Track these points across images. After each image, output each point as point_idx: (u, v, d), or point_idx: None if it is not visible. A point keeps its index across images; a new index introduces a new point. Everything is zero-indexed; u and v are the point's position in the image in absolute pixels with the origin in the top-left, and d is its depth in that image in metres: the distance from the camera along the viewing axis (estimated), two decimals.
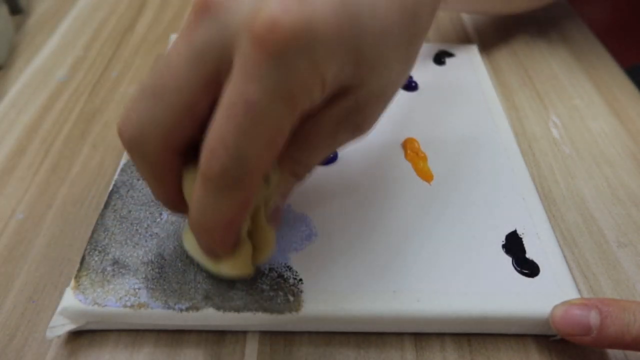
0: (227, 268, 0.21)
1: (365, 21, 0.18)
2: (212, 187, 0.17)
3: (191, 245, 0.23)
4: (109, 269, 0.24)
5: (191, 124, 0.19)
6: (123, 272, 0.24)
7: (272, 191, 0.21)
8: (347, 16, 0.17)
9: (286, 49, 0.16)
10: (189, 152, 0.20)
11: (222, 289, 0.23)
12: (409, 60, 0.21)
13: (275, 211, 0.23)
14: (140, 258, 0.24)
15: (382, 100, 0.21)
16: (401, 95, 0.35)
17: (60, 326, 0.23)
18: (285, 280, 0.24)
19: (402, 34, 0.20)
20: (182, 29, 0.18)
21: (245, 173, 0.17)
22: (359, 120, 0.21)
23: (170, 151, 0.19)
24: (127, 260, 0.24)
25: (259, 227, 0.22)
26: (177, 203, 0.21)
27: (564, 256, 0.26)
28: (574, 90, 0.39)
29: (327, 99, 0.19)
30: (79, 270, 0.24)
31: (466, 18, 0.47)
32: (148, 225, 0.26)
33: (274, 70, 0.16)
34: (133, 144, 0.19)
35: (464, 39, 0.44)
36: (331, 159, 0.30)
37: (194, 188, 0.18)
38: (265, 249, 0.22)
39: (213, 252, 0.20)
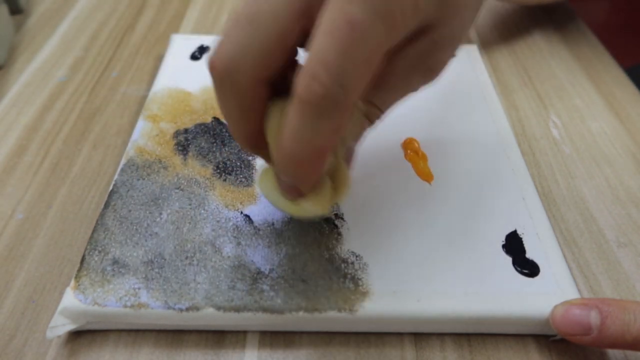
0: (309, 205, 0.21)
1: None
2: (310, 112, 0.17)
3: (268, 188, 0.22)
4: (108, 268, 0.24)
5: (283, 53, 0.19)
6: (123, 272, 0.24)
7: (351, 132, 0.22)
8: None
9: None
10: (273, 86, 0.20)
11: (222, 289, 0.23)
12: (478, 8, 0.22)
13: (349, 152, 0.23)
14: (140, 258, 0.24)
15: (455, 44, 0.22)
16: None
17: (60, 326, 0.23)
18: (286, 280, 0.24)
19: None
20: None
21: (346, 95, 0.17)
22: (432, 63, 0.22)
23: (261, 80, 0.19)
24: (127, 260, 0.24)
25: (338, 166, 0.22)
26: (257, 140, 0.21)
27: (564, 256, 0.26)
28: (574, 90, 0.39)
29: (407, 38, 0.19)
30: (79, 270, 0.24)
31: None
32: (148, 225, 0.26)
33: None
34: (225, 73, 0.19)
35: (464, 39, 0.44)
36: None
37: (288, 116, 0.18)
38: (343, 187, 0.22)
39: (296, 190, 0.20)
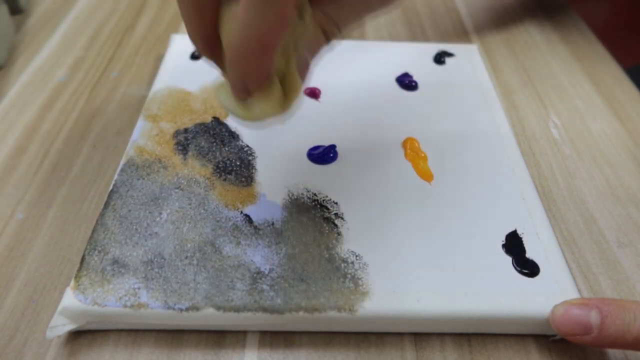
0: (259, 108, 0.22)
1: None
2: (252, 3, 0.18)
3: (224, 95, 0.24)
4: (108, 268, 0.24)
5: None
6: (123, 271, 0.24)
7: (303, 38, 0.22)
8: None
9: None
10: None
11: (222, 289, 0.23)
12: None
13: (304, 65, 0.24)
14: (140, 258, 0.24)
15: None
16: (401, 94, 0.35)
17: (60, 326, 0.23)
18: (285, 280, 0.24)
19: None
20: None
21: None
22: None
23: None
24: (127, 260, 0.24)
25: (289, 73, 0.23)
26: (212, 43, 0.22)
27: (564, 256, 0.26)
28: (574, 90, 0.39)
29: None
30: (79, 270, 0.24)
31: (466, 18, 0.47)
32: (148, 224, 0.26)
33: None
34: None
35: (464, 39, 0.44)
36: (331, 159, 0.30)
37: (237, 11, 0.19)
38: (293, 94, 0.23)
39: (245, 88, 0.21)
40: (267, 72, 0.21)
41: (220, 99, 0.24)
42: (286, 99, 0.23)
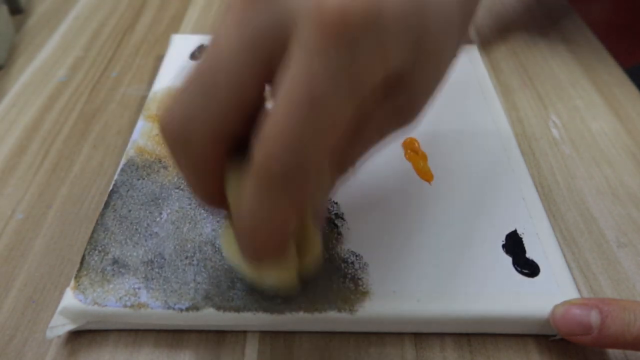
0: (272, 278, 0.20)
1: (429, 6, 0.17)
2: (268, 186, 0.15)
3: (231, 251, 0.21)
4: (108, 268, 0.24)
5: (241, 117, 0.17)
6: (123, 271, 0.24)
7: (321, 192, 0.20)
8: (413, 0, 0.16)
9: (357, 36, 0.14)
10: (232, 145, 0.18)
11: (222, 289, 0.23)
12: (457, 50, 0.20)
13: (321, 210, 0.21)
14: (140, 258, 0.24)
15: (431, 91, 0.20)
16: None
17: (60, 326, 0.23)
18: None
19: (459, 21, 0.19)
20: (228, 10, 0.16)
21: (306, 170, 0.15)
22: (406, 111, 0.20)
23: (216, 147, 0.17)
24: (127, 260, 0.24)
25: (305, 228, 0.20)
26: (217, 200, 0.19)
27: (564, 256, 0.26)
28: (574, 90, 0.39)
29: (380, 92, 0.18)
30: (79, 270, 0.24)
31: None
32: (148, 224, 0.26)
33: (343, 58, 0.15)
34: (176, 139, 0.17)
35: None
36: None
37: (246, 188, 0.16)
38: (311, 252, 0.20)
39: (258, 258, 0.18)
40: (283, 247, 0.18)
41: (226, 255, 0.21)
42: (302, 262, 0.20)
